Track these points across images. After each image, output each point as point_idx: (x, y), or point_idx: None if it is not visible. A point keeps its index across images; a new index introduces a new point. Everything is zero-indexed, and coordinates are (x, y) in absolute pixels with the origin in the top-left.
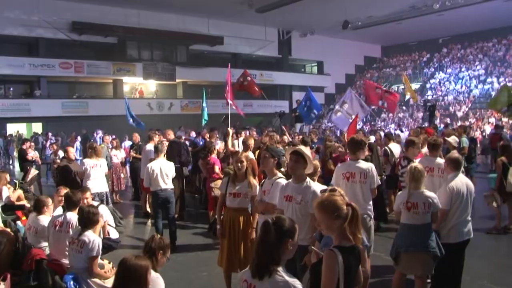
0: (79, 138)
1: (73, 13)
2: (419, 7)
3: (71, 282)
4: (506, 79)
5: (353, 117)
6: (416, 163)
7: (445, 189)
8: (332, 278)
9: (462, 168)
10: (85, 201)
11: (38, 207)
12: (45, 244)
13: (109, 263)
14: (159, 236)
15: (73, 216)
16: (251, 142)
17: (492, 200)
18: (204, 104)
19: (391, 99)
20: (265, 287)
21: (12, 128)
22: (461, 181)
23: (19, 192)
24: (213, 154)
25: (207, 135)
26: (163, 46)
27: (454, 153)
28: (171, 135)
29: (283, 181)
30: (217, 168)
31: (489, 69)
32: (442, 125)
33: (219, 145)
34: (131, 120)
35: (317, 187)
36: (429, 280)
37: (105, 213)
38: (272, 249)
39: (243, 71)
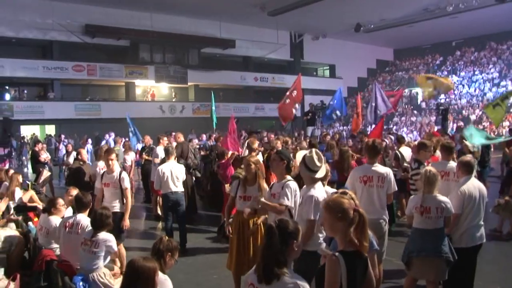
0: (90, 140)
1: (86, 16)
2: (432, 10)
3: (81, 283)
4: None
5: (380, 113)
6: (430, 166)
7: (456, 193)
8: (334, 283)
9: (475, 172)
10: (110, 162)
11: (48, 208)
12: (56, 245)
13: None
14: (167, 238)
15: (83, 218)
16: (256, 145)
17: (503, 208)
18: (213, 107)
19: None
20: None
21: (26, 130)
22: (473, 185)
23: (31, 193)
24: (224, 159)
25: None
26: (175, 49)
27: (466, 157)
28: (181, 138)
29: (293, 183)
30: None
31: (503, 72)
32: (454, 129)
33: None
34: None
35: (319, 189)
36: (440, 286)
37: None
38: (277, 252)
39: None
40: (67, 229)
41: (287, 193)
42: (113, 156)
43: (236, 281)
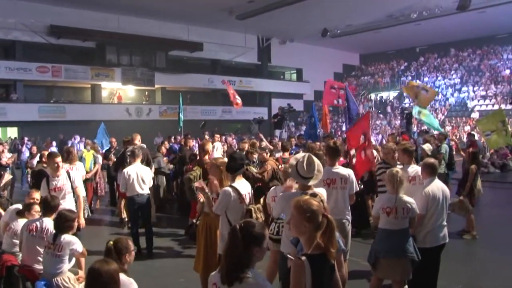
0: (54, 143)
1: (51, 17)
2: (397, 17)
3: None
4: (481, 88)
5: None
6: (397, 168)
7: (421, 194)
8: (299, 286)
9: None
10: (57, 165)
11: (23, 211)
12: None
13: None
14: (118, 238)
15: (49, 222)
16: (209, 147)
17: (458, 207)
18: (181, 110)
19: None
20: None
21: None
22: (437, 186)
23: None
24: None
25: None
26: (142, 51)
27: (430, 159)
28: (136, 139)
29: (227, 189)
30: None
31: (464, 78)
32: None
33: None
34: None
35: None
36: (406, 286)
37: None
38: (239, 255)
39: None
40: (30, 232)
41: (218, 199)
42: (59, 159)
43: (203, 284)
